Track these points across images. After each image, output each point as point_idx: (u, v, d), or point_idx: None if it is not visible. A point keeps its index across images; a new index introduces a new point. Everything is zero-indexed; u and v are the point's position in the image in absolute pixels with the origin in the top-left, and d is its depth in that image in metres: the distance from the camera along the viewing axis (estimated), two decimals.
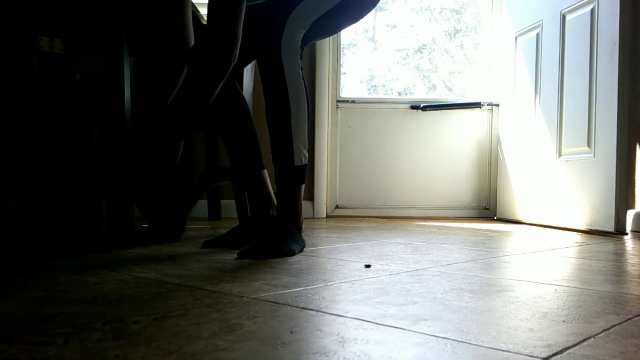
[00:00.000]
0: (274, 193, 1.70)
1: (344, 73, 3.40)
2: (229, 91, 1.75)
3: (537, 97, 2.89)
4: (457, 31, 3.55)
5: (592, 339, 0.69)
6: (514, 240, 2.04)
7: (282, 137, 1.51)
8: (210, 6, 1.47)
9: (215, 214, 2.78)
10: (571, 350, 0.64)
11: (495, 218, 3.35)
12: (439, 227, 2.55)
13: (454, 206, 3.41)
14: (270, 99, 1.53)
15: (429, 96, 3.46)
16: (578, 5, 2.58)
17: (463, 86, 3.52)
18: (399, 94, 3.91)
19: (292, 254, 1.47)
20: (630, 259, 1.54)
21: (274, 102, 1.53)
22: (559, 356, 0.62)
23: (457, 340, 0.67)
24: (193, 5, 2.28)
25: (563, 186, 2.61)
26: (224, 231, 1.71)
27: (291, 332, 0.69)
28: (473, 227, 2.63)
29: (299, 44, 1.53)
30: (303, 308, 0.83)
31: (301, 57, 1.55)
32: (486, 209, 3.42)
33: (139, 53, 1.75)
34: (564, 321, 0.78)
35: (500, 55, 3.33)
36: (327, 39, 3.17)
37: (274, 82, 1.52)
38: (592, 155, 2.43)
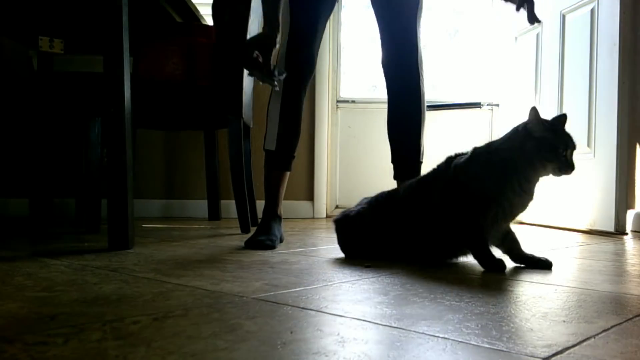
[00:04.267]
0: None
1: (344, 73, 3.40)
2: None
3: (537, 97, 2.88)
4: (457, 31, 3.55)
5: (592, 339, 0.69)
6: None
7: (414, 136, 1.72)
8: None
9: (215, 214, 2.78)
10: (571, 350, 0.64)
11: None
12: None
13: None
14: (405, 102, 1.73)
15: (429, 96, 3.46)
16: (578, 5, 2.58)
17: (463, 86, 3.52)
18: None
19: None
20: (630, 259, 1.54)
21: (410, 106, 1.73)
22: (559, 356, 0.62)
23: (457, 340, 0.67)
24: (193, 5, 2.29)
25: (563, 186, 2.61)
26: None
27: (291, 332, 0.69)
28: None
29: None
30: (303, 308, 0.83)
31: None
32: None
33: None
34: (564, 321, 0.78)
35: (500, 55, 3.32)
36: (327, 39, 3.17)
37: (411, 87, 1.72)
38: (592, 155, 2.43)
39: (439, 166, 1.41)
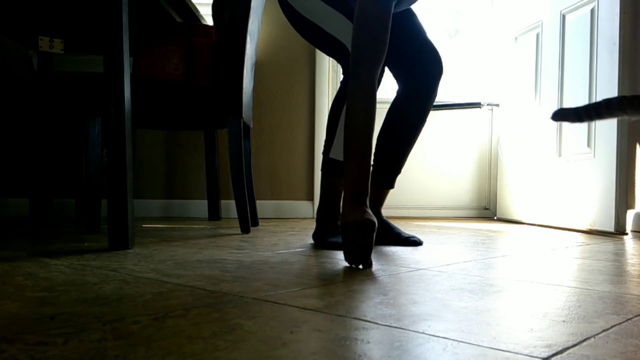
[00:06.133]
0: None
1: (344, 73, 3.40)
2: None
3: (537, 97, 2.89)
4: (457, 31, 3.55)
5: (592, 339, 0.69)
6: (514, 240, 2.04)
7: (409, 149, 1.84)
8: None
9: (215, 214, 2.78)
10: (571, 350, 0.64)
11: (495, 218, 3.35)
12: (439, 227, 2.55)
13: (454, 206, 3.40)
14: (417, 119, 1.79)
15: None
16: (578, 5, 2.58)
17: (463, 86, 3.52)
18: None
19: None
20: (630, 259, 1.54)
21: (419, 123, 1.80)
22: (558, 356, 0.62)
23: (457, 340, 0.67)
24: (193, 5, 2.28)
25: (563, 186, 2.61)
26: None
27: (291, 332, 0.69)
28: (473, 227, 2.63)
29: None
30: (303, 308, 0.83)
31: None
32: (486, 209, 3.42)
33: None
34: (564, 321, 0.78)
35: (500, 55, 3.33)
36: None
37: (427, 106, 1.79)
38: (592, 155, 2.43)
39: None
